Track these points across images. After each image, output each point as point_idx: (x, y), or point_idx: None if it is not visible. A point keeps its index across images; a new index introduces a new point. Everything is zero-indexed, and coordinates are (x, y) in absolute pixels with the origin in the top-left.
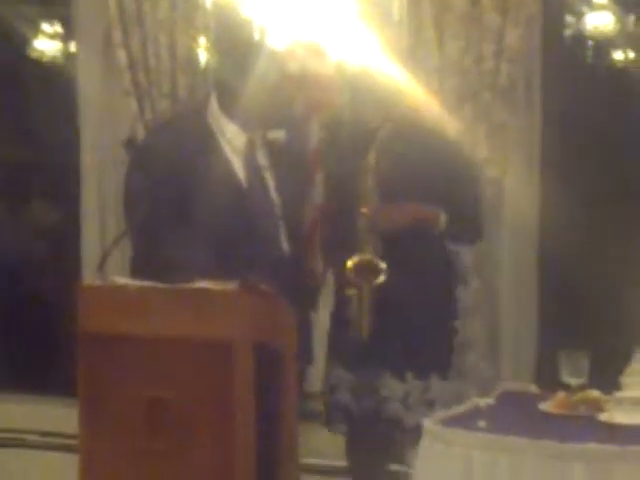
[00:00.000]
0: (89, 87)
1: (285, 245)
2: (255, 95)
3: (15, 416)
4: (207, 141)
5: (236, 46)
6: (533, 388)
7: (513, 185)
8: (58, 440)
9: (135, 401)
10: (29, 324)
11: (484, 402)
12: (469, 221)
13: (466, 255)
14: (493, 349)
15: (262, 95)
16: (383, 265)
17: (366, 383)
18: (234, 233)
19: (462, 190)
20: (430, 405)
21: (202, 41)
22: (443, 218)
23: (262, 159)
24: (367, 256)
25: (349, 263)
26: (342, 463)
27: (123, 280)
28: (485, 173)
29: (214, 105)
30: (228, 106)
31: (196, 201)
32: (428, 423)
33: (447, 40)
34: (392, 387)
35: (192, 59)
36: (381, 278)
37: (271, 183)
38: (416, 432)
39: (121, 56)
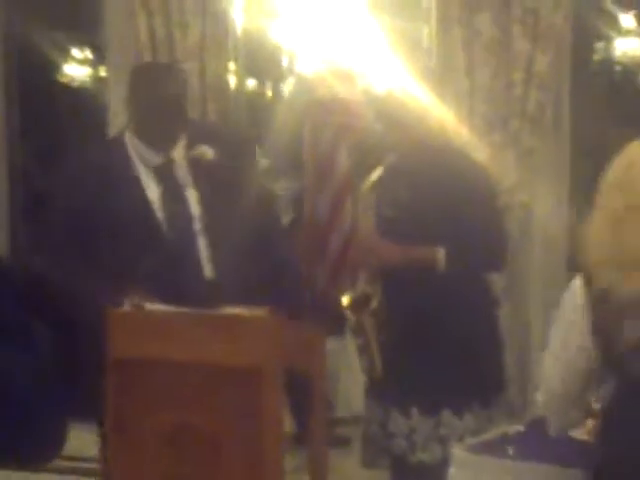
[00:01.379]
0: (119, 112)
1: (207, 265)
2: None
3: None
4: (119, 159)
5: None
6: None
7: (542, 210)
8: (79, 464)
9: (163, 426)
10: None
11: (513, 429)
12: (485, 250)
13: (497, 280)
14: (523, 376)
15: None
16: (374, 292)
17: (380, 418)
18: (137, 250)
19: (477, 220)
20: (442, 441)
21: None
22: (441, 257)
23: (183, 176)
24: (359, 290)
25: (344, 300)
26: None
27: (152, 305)
28: (514, 200)
29: (130, 134)
30: (146, 132)
31: (101, 221)
32: (456, 450)
33: (476, 66)
34: (398, 423)
35: (222, 85)
36: (373, 305)
37: (192, 199)
38: (421, 469)
39: None
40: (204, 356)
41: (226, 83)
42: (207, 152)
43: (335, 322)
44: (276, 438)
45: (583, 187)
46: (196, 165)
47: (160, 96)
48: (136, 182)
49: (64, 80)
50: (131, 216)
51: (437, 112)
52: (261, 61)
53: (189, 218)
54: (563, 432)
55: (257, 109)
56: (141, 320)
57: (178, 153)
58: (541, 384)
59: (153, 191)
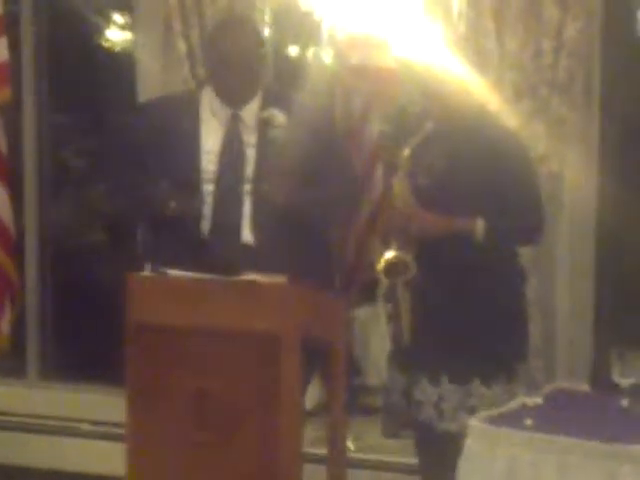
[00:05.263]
0: (148, 77)
1: (247, 232)
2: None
3: (69, 404)
4: (188, 110)
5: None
6: (584, 387)
7: (571, 181)
8: (110, 429)
9: (182, 392)
10: (86, 313)
11: (532, 401)
12: (523, 222)
13: (525, 251)
14: (548, 349)
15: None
16: (411, 261)
17: (404, 387)
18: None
19: (515, 191)
20: (471, 411)
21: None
22: (480, 229)
23: (249, 135)
24: (396, 254)
25: (379, 265)
26: (400, 459)
27: (173, 271)
28: (543, 169)
29: (209, 89)
30: (218, 85)
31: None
32: (473, 421)
33: (506, 34)
34: (426, 391)
35: None
36: (410, 275)
37: (250, 159)
38: (448, 438)
39: (180, 46)
40: (223, 323)
41: None
42: (277, 116)
43: (366, 290)
44: (293, 406)
45: (612, 156)
46: (264, 127)
47: (230, 52)
48: (195, 134)
49: (107, 45)
50: (179, 167)
51: (468, 79)
52: (291, 27)
53: (241, 177)
54: None
55: (286, 75)
56: (161, 285)
57: (248, 111)
58: None
59: (215, 144)
